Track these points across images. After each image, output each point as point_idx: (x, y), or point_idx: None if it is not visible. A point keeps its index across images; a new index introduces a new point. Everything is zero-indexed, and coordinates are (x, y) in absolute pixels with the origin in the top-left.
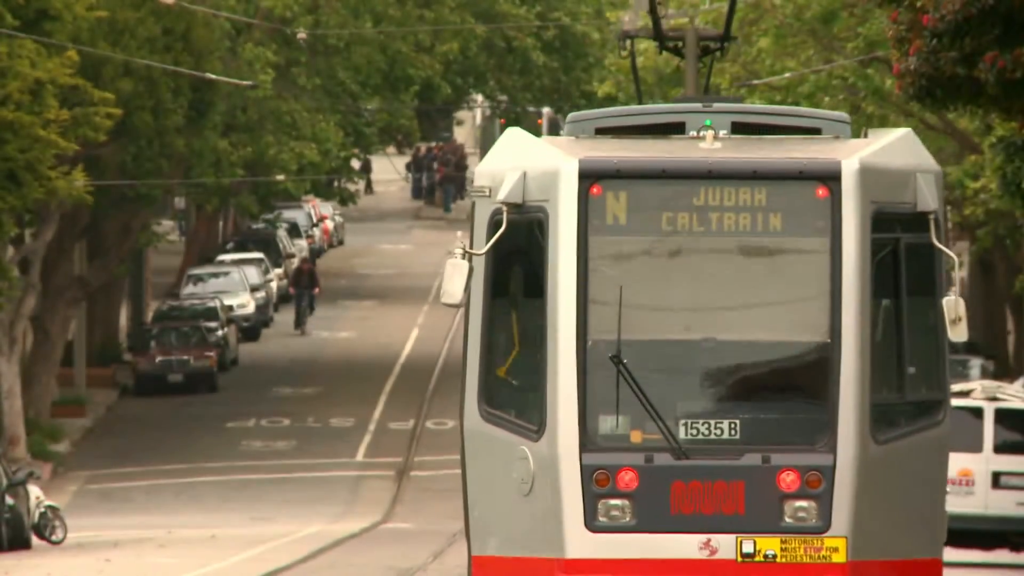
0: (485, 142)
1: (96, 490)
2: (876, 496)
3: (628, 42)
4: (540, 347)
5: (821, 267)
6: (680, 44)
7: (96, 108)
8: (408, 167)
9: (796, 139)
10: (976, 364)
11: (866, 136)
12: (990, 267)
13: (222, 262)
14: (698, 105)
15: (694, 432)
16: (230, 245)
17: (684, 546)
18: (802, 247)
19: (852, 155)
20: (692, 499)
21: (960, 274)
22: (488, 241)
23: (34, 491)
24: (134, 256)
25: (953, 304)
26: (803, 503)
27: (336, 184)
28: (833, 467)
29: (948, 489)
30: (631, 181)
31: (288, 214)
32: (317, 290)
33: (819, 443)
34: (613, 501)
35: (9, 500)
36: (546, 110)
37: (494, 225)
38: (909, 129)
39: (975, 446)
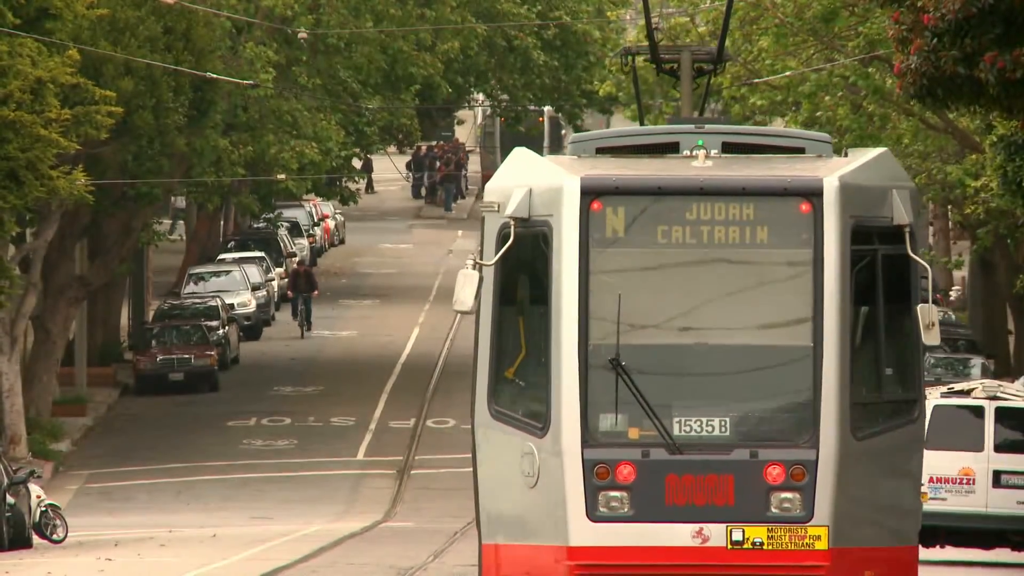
0: (486, 141)
1: (97, 489)
2: (855, 488)
3: (630, 59)
4: (545, 350)
5: (804, 277)
6: (676, 66)
7: (97, 107)
8: (408, 166)
9: (781, 158)
10: (977, 363)
11: (846, 155)
12: (991, 266)
13: (223, 261)
14: (691, 126)
15: (687, 429)
16: (231, 244)
17: (678, 534)
18: (787, 258)
19: (833, 173)
20: (685, 491)
21: (961, 273)
22: (497, 253)
23: (35, 490)
24: (135, 255)
25: (927, 311)
26: (788, 495)
27: (339, 183)
28: (816, 461)
29: (949, 488)
30: (629, 197)
31: (289, 213)
32: (316, 292)
33: (803, 439)
34: (612, 493)
35: (10, 499)
36: (547, 109)
37: (502, 238)
38: (886, 149)
39: (976, 445)
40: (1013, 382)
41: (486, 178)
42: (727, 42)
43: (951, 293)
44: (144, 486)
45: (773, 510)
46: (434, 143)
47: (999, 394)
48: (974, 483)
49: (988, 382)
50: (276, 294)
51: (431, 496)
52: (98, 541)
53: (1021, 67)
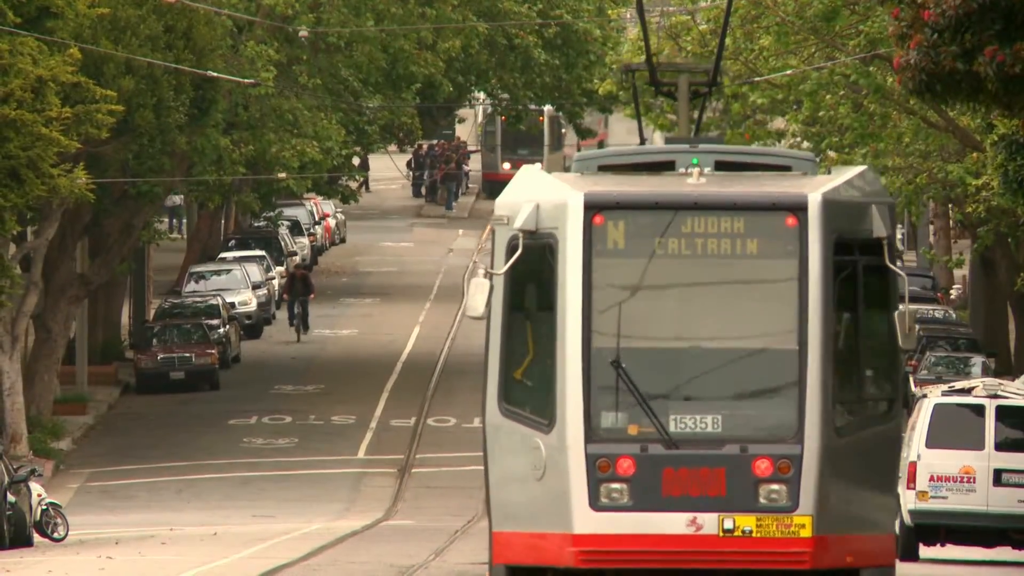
0: (486, 140)
1: (98, 487)
2: (838, 481)
3: (630, 75)
4: (551, 353)
5: (790, 285)
6: (673, 88)
7: (98, 106)
8: (409, 165)
9: (769, 175)
10: (977, 362)
11: (830, 172)
12: (992, 265)
13: (224, 260)
14: (686, 146)
15: (682, 426)
16: (232, 243)
17: (673, 523)
18: (774, 268)
19: (817, 190)
20: (680, 483)
21: (962, 272)
22: (506, 263)
23: (36, 488)
24: (136, 254)
25: (904, 316)
26: (775, 487)
27: (341, 182)
28: (801, 456)
29: (950, 486)
30: (629, 211)
31: (290, 212)
32: (312, 296)
33: (789, 436)
34: (613, 485)
35: (11, 497)
36: (547, 108)
37: (511, 249)
38: (866, 166)
39: (977, 443)
40: (1014, 380)
41: (487, 177)
42: (727, 40)
43: (952, 292)
44: (145, 484)
45: (761, 501)
46: (435, 142)
47: (1000, 392)
48: (975, 481)
49: (989, 380)
50: (277, 293)
51: (432, 494)
52: (99, 539)
53: (1021, 61)
